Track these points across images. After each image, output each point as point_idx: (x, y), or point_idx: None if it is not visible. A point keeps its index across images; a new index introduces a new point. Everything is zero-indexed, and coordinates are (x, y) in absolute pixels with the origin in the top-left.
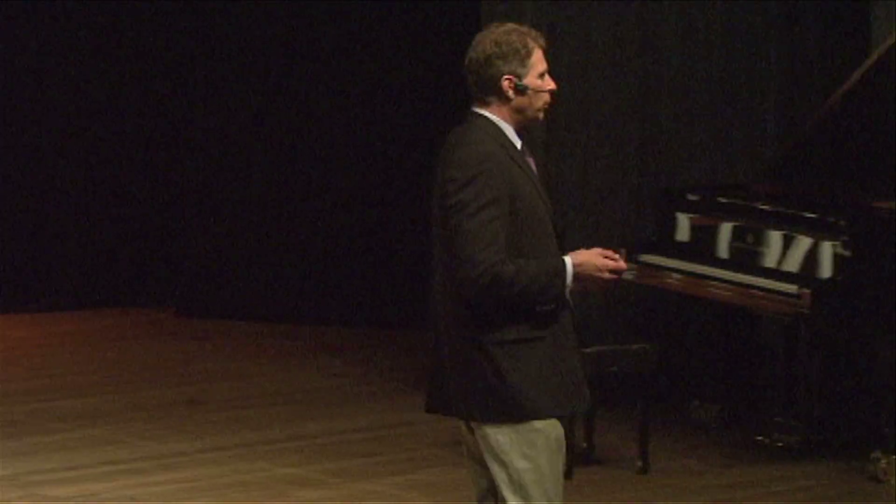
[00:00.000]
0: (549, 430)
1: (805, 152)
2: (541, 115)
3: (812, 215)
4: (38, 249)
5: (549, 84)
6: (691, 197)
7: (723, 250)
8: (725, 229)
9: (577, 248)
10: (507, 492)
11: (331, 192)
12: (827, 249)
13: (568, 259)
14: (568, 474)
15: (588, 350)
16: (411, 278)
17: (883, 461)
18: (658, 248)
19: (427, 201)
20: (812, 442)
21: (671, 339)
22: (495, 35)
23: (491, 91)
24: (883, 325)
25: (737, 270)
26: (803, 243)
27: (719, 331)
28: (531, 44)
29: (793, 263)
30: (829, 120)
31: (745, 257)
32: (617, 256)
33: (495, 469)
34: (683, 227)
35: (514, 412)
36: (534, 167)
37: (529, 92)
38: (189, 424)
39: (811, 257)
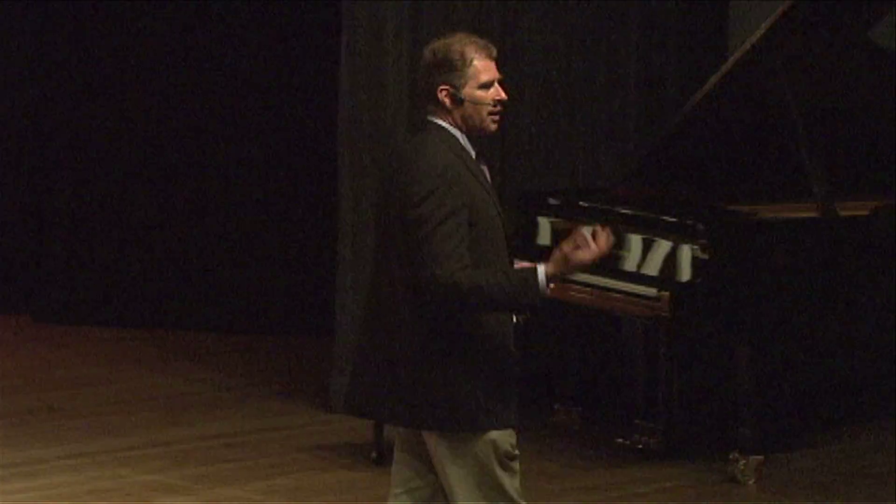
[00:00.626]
0: (504, 439)
1: (664, 156)
2: (491, 125)
3: (671, 219)
4: None
5: (493, 94)
6: (552, 201)
7: None
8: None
9: None
10: (461, 501)
11: (191, 196)
12: (686, 253)
13: (541, 268)
14: None
15: None
16: (270, 284)
17: (741, 462)
18: (519, 252)
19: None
20: (672, 444)
21: (533, 343)
22: (436, 44)
23: (431, 100)
24: (740, 328)
25: (597, 274)
26: (662, 247)
27: (580, 334)
28: (471, 54)
29: (652, 267)
30: (687, 123)
31: (606, 261)
32: (588, 236)
33: (450, 477)
34: (545, 230)
35: (469, 422)
36: (488, 175)
37: (466, 103)
38: (48, 431)
39: (670, 260)
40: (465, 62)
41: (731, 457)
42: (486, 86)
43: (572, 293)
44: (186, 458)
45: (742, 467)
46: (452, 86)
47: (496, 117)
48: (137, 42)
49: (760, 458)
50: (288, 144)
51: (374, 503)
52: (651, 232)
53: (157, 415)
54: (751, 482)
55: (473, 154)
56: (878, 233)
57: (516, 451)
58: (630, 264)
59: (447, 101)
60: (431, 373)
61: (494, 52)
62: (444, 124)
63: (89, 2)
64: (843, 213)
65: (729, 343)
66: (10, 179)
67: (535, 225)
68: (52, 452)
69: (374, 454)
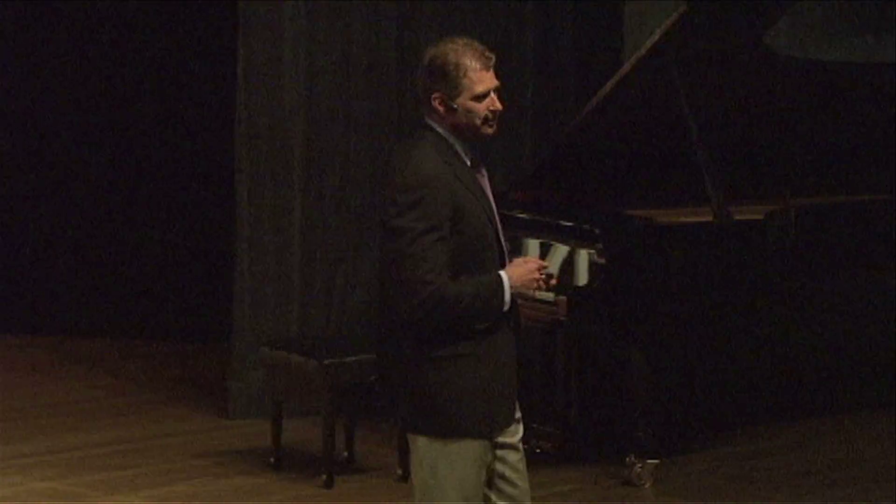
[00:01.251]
0: (474, 447)
1: (561, 160)
2: (486, 130)
3: (568, 223)
4: None
5: (487, 105)
6: None
7: None
8: None
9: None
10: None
11: (87, 201)
12: (583, 257)
13: (503, 274)
14: (329, 483)
15: (347, 359)
16: (166, 288)
17: (638, 465)
18: None
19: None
20: (568, 448)
21: None
22: (433, 52)
23: (426, 106)
24: (635, 332)
25: None
26: (560, 251)
27: None
28: (468, 63)
29: (550, 271)
30: (584, 127)
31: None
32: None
33: (418, 478)
34: None
35: (442, 427)
36: (486, 183)
37: (460, 111)
38: None
39: (567, 265)
40: (461, 73)
41: (627, 460)
42: (481, 97)
43: None
44: (82, 464)
45: (638, 471)
46: (446, 95)
47: (491, 122)
48: (28, 41)
49: (656, 461)
50: (184, 148)
51: None
52: (548, 236)
53: (52, 421)
54: (647, 486)
55: (468, 159)
56: (773, 236)
57: (486, 460)
58: None
59: (441, 108)
60: (413, 376)
61: (493, 61)
62: (438, 129)
63: None
64: (738, 217)
65: (625, 347)
66: None
67: None
68: None
69: (272, 459)
